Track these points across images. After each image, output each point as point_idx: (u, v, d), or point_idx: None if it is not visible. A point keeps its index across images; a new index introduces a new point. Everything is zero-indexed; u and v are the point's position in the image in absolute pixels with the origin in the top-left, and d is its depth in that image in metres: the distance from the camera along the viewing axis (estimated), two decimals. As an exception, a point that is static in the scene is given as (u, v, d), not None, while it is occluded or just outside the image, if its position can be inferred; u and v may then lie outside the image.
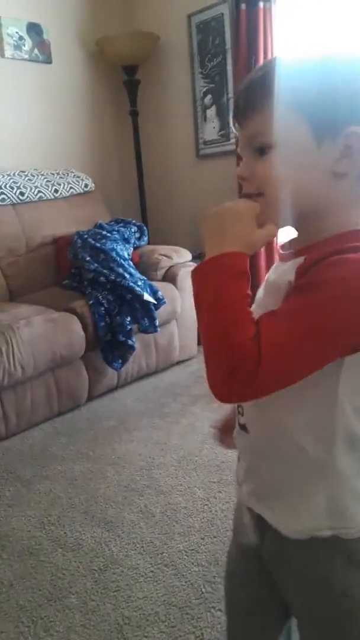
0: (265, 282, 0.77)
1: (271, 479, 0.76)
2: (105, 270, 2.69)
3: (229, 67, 3.29)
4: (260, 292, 0.77)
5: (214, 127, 3.49)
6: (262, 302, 0.75)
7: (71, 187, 3.33)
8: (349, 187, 0.65)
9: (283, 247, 0.75)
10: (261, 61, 2.96)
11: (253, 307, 0.71)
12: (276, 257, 0.76)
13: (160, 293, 2.77)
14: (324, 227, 0.67)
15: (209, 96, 3.48)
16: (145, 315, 2.68)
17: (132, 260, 2.92)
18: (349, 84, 0.61)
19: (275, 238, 0.70)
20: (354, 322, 0.59)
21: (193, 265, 2.45)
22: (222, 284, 0.62)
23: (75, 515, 1.80)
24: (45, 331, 2.39)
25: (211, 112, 3.49)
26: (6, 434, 2.33)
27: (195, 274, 0.65)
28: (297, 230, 0.73)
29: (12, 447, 2.28)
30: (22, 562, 1.61)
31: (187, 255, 3.17)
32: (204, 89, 3.50)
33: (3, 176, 3.03)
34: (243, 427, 0.77)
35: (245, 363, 0.58)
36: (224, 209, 0.66)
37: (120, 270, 2.69)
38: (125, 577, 1.51)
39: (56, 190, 3.23)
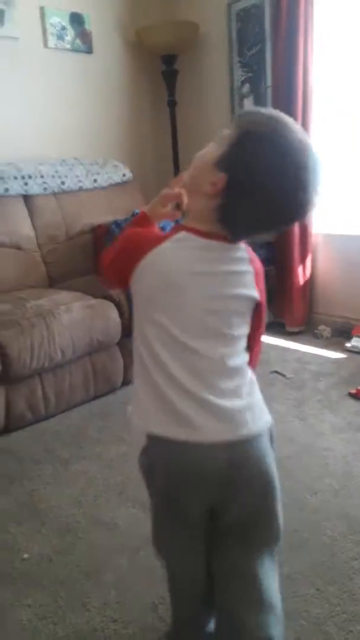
0: None
1: None
2: (141, 259, 2.72)
3: (268, 56, 3.26)
4: None
5: (251, 117, 3.47)
6: None
7: (110, 177, 3.37)
8: (207, 208, 0.94)
9: None
10: (301, 50, 2.93)
11: None
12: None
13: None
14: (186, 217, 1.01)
15: (247, 85, 3.46)
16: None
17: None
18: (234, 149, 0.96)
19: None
20: (127, 252, 1.00)
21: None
22: (129, 224, 1.12)
23: (111, 496, 1.85)
24: (84, 317, 2.45)
25: (249, 101, 3.47)
26: (45, 415, 2.40)
27: None
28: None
29: (51, 428, 2.35)
30: (60, 538, 1.66)
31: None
32: (242, 78, 3.47)
33: (46, 166, 3.09)
34: None
35: (103, 259, 1.05)
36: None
37: (157, 258, 2.72)
38: (159, 556, 1.54)
39: (95, 180, 3.28)
